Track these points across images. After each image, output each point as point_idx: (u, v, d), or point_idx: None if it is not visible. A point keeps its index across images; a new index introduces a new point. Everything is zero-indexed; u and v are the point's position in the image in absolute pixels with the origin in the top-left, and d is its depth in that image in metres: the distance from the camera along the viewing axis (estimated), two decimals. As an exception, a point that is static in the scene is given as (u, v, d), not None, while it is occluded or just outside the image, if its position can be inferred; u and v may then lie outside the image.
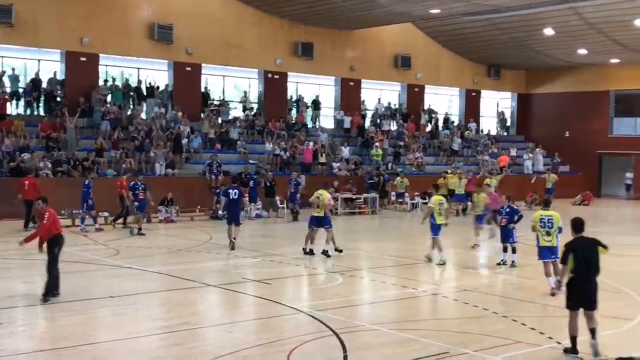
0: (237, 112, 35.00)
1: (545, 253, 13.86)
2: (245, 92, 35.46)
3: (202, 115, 32.56)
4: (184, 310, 12.32)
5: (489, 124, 45.39)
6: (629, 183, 40.74)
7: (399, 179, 32.16)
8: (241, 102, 35.32)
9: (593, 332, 9.57)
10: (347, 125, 37.27)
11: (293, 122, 35.49)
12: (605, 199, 40.50)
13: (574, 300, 9.72)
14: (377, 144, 35.61)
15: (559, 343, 10.19)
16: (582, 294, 9.66)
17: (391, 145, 36.78)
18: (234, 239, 19.20)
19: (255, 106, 35.54)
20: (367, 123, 38.47)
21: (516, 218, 16.70)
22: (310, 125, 36.90)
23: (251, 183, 27.69)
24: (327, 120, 38.40)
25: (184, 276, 15.04)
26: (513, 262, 16.78)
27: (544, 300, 13.30)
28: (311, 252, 18.15)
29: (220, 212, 25.75)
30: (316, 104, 37.34)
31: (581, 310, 9.76)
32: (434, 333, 10.92)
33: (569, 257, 9.71)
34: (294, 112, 36.52)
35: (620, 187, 41.34)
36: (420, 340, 10.33)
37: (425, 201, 30.55)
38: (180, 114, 31.23)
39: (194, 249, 19.38)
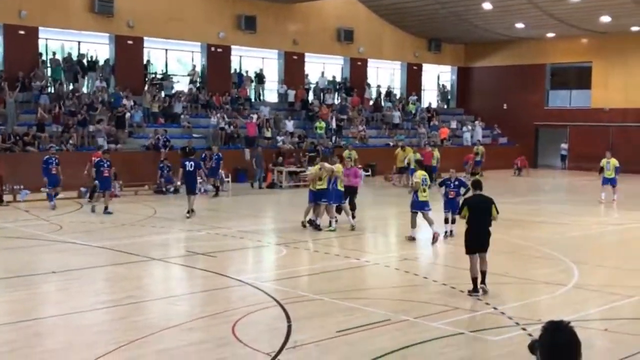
0: (180, 85, 34.68)
1: (422, 205, 16.54)
2: (194, 66, 35.10)
3: (145, 89, 32.19)
4: (128, 284, 12.35)
5: (430, 97, 45.94)
6: (564, 153, 41.92)
7: (346, 151, 32.27)
8: (189, 75, 34.97)
9: (484, 274, 11.42)
10: (290, 98, 37.27)
11: (237, 95, 35.35)
12: (542, 169, 41.61)
13: (470, 246, 11.44)
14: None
15: (495, 308, 10.63)
16: (476, 239, 11.38)
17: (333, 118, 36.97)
18: (191, 209, 20.17)
19: (199, 79, 35.28)
20: (311, 97, 38.56)
21: (463, 190, 17.10)
22: (253, 98, 36.81)
23: None
24: (270, 93, 38.33)
25: (128, 250, 15.03)
26: (451, 231, 17.24)
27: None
28: (310, 223, 18.32)
29: (164, 188, 26.28)
30: (259, 78, 37.24)
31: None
32: (376, 301, 11.24)
33: (464, 209, 11.61)
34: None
35: (556, 157, 42.50)
36: (362, 309, 10.60)
37: (367, 173, 31.31)
38: (123, 93, 30.73)
39: (137, 223, 19.31)
